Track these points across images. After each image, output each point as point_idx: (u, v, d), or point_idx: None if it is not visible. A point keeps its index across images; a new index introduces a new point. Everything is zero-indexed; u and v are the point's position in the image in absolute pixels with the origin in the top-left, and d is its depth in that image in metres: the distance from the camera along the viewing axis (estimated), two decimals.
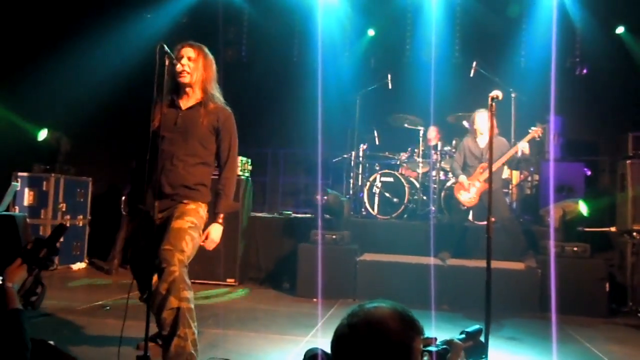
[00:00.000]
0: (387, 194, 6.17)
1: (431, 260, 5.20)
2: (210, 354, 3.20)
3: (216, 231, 3.01)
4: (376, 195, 6.20)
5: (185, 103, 3.06)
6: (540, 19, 7.16)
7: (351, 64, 7.75)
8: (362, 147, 6.70)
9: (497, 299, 4.90)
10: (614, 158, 5.89)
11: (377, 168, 6.53)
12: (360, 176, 6.66)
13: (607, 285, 5.01)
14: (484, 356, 1.52)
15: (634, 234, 5.17)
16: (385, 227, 6.04)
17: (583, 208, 5.42)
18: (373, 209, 6.19)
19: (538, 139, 5.60)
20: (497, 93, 3.03)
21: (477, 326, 1.59)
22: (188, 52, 3.02)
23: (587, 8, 6.96)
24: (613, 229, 5.68)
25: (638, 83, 6.87)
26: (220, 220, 3.01)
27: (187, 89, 3.04)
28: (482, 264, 4.99)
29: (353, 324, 1.28)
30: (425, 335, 1.35)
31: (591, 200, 5.96)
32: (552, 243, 4.89)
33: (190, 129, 2.98)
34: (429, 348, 1.33)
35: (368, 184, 6.25)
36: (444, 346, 1.37)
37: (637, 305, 5.01)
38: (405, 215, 6.16)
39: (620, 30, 7.10)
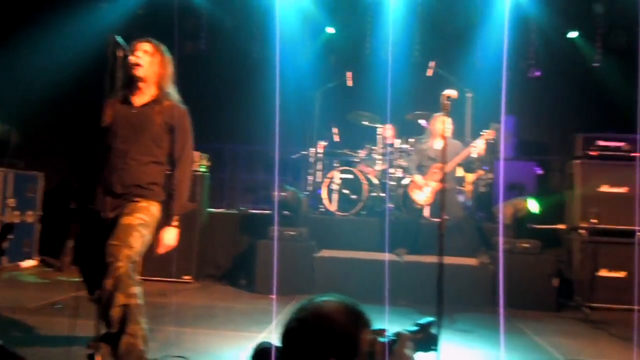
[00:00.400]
0: (345, 191, 6.21)
1: (388, 257, 5.27)
2: (166, 353, 3.16)
3: (169, 235, 2.94)
4: (335, 192, 6.24)
5: (139, 99, 2.98)
6: (497, 21, 7.33)
7: (311, 60, 7.75)
8: (322, 144, 6.72)
9: (451, 294, 5.02)
10: (564, 158, 6.09)
11: (336, 165, 6.57)
12: (319, 173, 6.68)
13: (556, 280, 5.20)
14: (433, 347, 1.56)
15: (581, 231, 5.37)
16: (344, 224, 6.08)
17: (533, 206, 5.60)
18: (331, 206, 6.22)
19: (492, 141, 5.74)
20: (450, 92, 3.09)
21: (429, 318, 1.62)
22: (144, 46, 2.96)
23: (541, 12, 7.17)
24: (562, 226, 5.89)
25: (588, 86, 7.14)
26: (175, 223, 2.95)
27: (141, 85, 2.97)
28: (439, 260, 5.08)
29: (301, 318, 1.30)
30: (377, 328, 1.37)
31: (542, 198, 6.16)
32: (500, 240, 5.03)
33: (143, 127, 2.91)
34: (378, 339, 1.36)
35: (327, 180, 6.28)
36: (392, 337, 1.39)
37: (583, 299, 5.21)
38: (363, 212, 6.22)
39: (573, 34, 7.34)
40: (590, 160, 5.51)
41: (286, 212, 5.97)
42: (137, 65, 2.91)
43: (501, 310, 4.39)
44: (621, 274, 5.29)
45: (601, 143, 5.51)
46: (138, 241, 2.74)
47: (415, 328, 1.55)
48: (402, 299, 5.02)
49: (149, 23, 6.86)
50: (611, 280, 5.28)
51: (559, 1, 7.00)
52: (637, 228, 5.27)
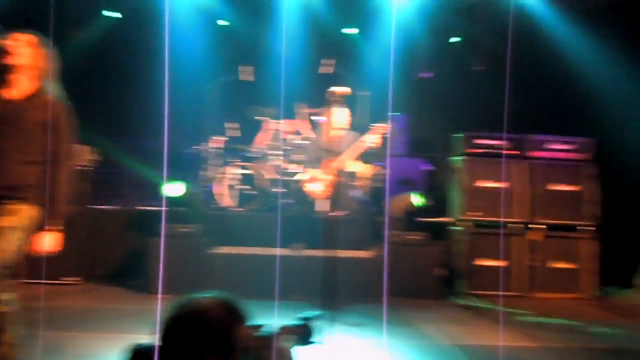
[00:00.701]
0: (242, 186, 6.17)
1: (285, 252, 5.31)
2: (46, 359, 2.97)
3: (47, 239, 2.75)
4: (231, 187, 6.17)
5: (13, 94, 2.75)
6: (390, 24, 7.60)
7: (208, 54, 7.59)
8: (218, 138, 6.62)
9: (345, 287, 5.18)
10: (450, 155, 6.46)
11: (233, 160, 6.50)
12: (215, 168, 6.57)
13: (441, 270, 5.53)
14: (313, 341, 1.60)
15: (464, 223, 5.76)
16: (240, 220, 6.03)
17: (420, 200, 5.91)
18: (227, 202, 6.16)
19: (385, 137, 5.95)
20: (339, 88, 3.18)
21: (314, 312, 1.66)
22: (21, 37, 2.75)
23: (429, 17, 7.53)
24: (447, 219, 6.26)
25: (473, 88, 7.62)
26: (54, 227, 2.76)
27: (17, 78, 2.74)
28: (333, 254, 5.22)
29: (178, 315, 1.30)
30: (255, 323, 1.39)
31: (429, 193, 6.51)
32: (386, 233, 5.23)
33: (16, 123, 2.69)
34: (253, 333, 1.38)
35: (223, 176, 6.20)
36: (271, 330, 1.42)
37: (466, 288, 5.58)
38: (260, 208, 6.22)
39: (455, 39, 7.79)
40: (472, 158, 5.90)
41: (180, 209, 5.82)
42: (11, 54, 2.70)
43: (384, 301, 4.57)
44: (500, 263, 5.72)
45: (481, 142, 5.92)
46: (10, 244, 2.55)
47: (296, 322, 1.58)
48: (297, 293, 5.09)
49: (30, 8, 6.36)
50: (490, 269, 5.70)
51: (442, 8, 7.39)
52: (511, 220, 5.74)
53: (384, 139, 5.86)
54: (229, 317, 1.31)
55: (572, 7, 6.84)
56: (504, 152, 5.87)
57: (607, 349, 4.00)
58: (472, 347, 3.88)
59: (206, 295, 1.34)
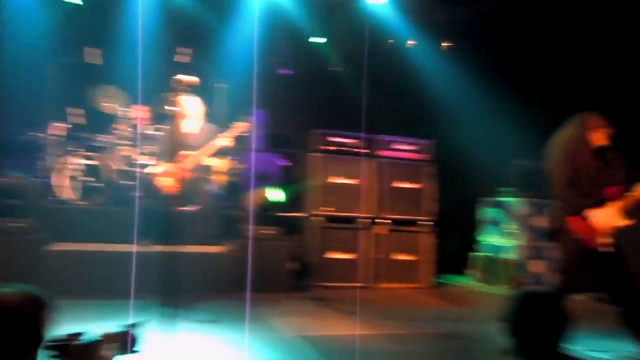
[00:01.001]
0: (85, 178, 5.73)
1: (134, 248, 5.03)
2: None
3: None
4: (73, 178, 5.70)
5: None
6: (251, 17, 7.56)
7: (51, 33, 6.93)
8: (59, 125, 6.06)
9: (197, 283, 5.05)
10: (305, 151, 6.61)
11: (76, 149, 6.00)
12: (55, 157, 6.02)
13: (293, 263, 5.64)
14: (136, 349, 1.53)
15: (315, 217, 5.93)
16: (84, 214, 5.61)
17: (276, 195, 5.98)
18: (69, 194, 5.68)
19: (244, 135, 5.88)
20: (185, 77, 3.07)
21: (139, 319, 1.59)
22: None
23: (294, 16, 7.62)
24: (301, 213, 6.40)
25: (329, 88, 7.86)
26: None
27: None
28: (186, 249, 5.07)
29: None
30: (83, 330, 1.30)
31: (286, 188, 6.62)
32: (250, 228, 5.25)
33: None
34: (74, 342, 1.28)
35: (64, 166, 5.70)
36: (93, 338, 1.33)
37: (316, 280, 5.76)
38: (107, 201, 5.83)
39: (317, 39, 7.98)
40: (324, 154, 6.10)
41: (10, 201, 5.24)
42: None
43: (248, 296, 4.56)
44: (349, 256, 5.99)
45: (335, 139, 6.15)
46: None
47: (119, 329, 1.50)
48: (147, 291, 4.85)
49: None
50: (340, 262, 5.94)
51: (306, 8, 7.54)
52: (360, 215, 6.04)
53: (242, 136, 5.80)
54: (33, 310, 1.23)
55: (421, 19, 7.36)
56: (356, 150, 6.15)
57: (440, 333, 4.37)
58: (318, 337, 4.00)
59: (9, 289, 1.24)
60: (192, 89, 3.09)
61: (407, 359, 3.72)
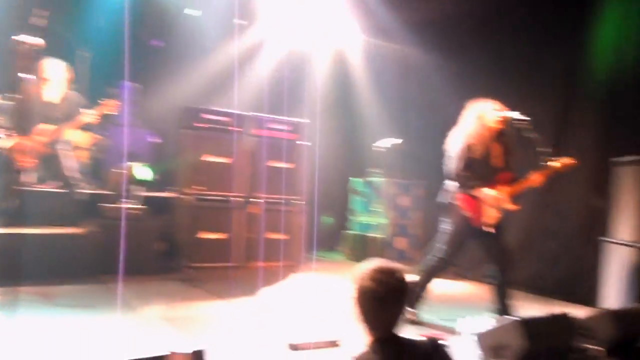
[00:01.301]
0: None
1: None
2: None
3: None
4: None
5: None
6: None
7: None
8: None
9: (54, 266, 4.72)
10: (177, 128, 6.34)
11: None
12: None
13: (161, 244, 5.47)
14: None
15: (186, 196, 5.77)
16: None
17: (144, 173, 5.72)
18: None
19: (111, 112, 5.49)
20: (34, 39, 2.79)
21: None
22: None
23: None
24: (172, 192, 6.20)
25: (204, 61, 7.57)
26: None
27: None
28: (41, 230, 4.71)
29: None
30: None
31: (155, 165, 6.35)
32: (103, 207, 4.94)
33: None
34: None
35: None
36: None
37: (187, 261, 5.63)
38: None
39: (192, 11, 7.65)
40: (196, 132, 5.92)
41: None
42: None
43: (119, 280, 4.33)
44: (221, 236, 5.91)
45: (205, 116, 5.98)
46: None
47: None
48: None
49: None
50: (212, 242, 5.84)
51: None
52: (233, 194, 5.98)
53: (109, 114, 5.42)
54: None
55: None
56: (230, 128, 6.04)
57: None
58: (179, 319, 3.92)
59: None
60: (36, 52, 2.82)
61: None
